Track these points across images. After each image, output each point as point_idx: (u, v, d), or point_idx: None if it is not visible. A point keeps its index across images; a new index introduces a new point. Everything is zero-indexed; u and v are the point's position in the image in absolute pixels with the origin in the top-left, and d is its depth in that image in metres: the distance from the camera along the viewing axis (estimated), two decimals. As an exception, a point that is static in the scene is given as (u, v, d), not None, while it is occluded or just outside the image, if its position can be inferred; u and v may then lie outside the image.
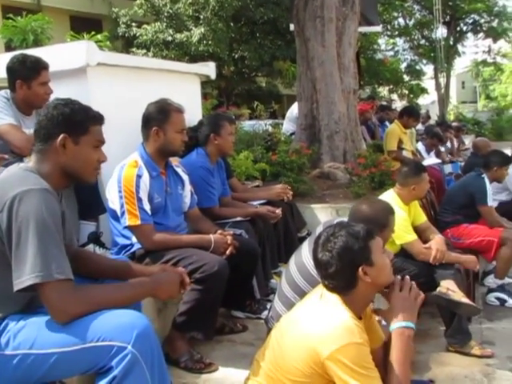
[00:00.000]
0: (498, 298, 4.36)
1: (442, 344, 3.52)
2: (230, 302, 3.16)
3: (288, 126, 7.21)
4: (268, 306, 3.04)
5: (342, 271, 1.83)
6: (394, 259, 3.35)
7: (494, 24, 28.03)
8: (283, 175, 4.78)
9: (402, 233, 3.50)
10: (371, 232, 1.91)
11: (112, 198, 2.80)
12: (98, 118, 1.98)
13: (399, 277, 1.96)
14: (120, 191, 2.73)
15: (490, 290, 4.44)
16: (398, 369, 1.81)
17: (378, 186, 4.69)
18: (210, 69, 4.71)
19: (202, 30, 15.39)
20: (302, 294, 2.41)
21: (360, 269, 1.83)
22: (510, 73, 39.94)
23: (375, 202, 2.65)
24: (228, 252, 2.85)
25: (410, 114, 6.26)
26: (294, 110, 6.93)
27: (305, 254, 2.61)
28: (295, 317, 1.93)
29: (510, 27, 28.17)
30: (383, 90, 26.17)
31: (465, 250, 4.18)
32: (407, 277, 1.96)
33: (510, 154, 5.18)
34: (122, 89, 3.54)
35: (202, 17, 15.75)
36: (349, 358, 1.69)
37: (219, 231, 2.95)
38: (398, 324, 1.87)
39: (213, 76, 4.73)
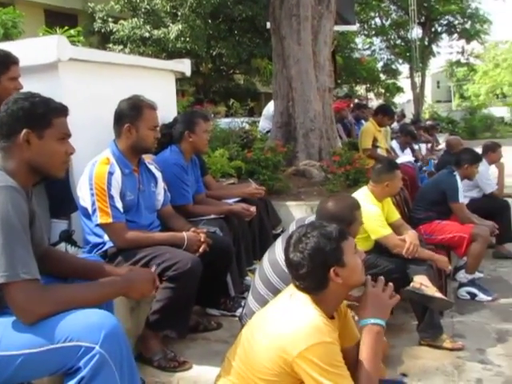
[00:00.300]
0: (468, 293, 4.45)
1: (415, 338, 3.57)
2: (204, 299, 3.15)
3: (264, 123, 7.22)
4: (243, 304, 3.04)
5: (313, 272, 1.81)
6: (367, 256, 3.41)
7: (467, 26, 28.59)
8: (258, 173, 4.79)
9: (377, 227, 3.55)
10: (344, 233, 1.89)
11: (83, 195, 2.76)
12: (61, 110, 1.92)
13: (369, 276, 1.96)
14: (91, 188, 2.69)
15: (461, 285, 4.52)
16: (367, 365, 1.81)
17: (353, 184, 4.74)
18: (185, 66, 4.68)
19: (180, 26, 15.31)
20: (275, 290, 2.42)
21: (331, 270, 1.81)
22: (482, 73, 40.76)
23: (340, 199, 2.65)
24: (201, 250, 2.83)
25: (385, 113, 6.33)
26: (270, 107, 6.95)
27: (278, 251, 2.62)
28: (265, 316, 1.92)
29: (482, 29, 28.77)
30: (360, 89, 26.40)
31: (437, 246, 4.27)
32: (382, 277, 1.96)
33: (480, 153, 5.29)
34: (94, 85, 3.50)
35: (179, 13, 15.67)
36: (318, 357, 1.68)
37: (192, 229, 2.94)
38: (367, 320, 1.87)
39: (188, 73, 4.70)
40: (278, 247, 2.64)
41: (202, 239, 2.86)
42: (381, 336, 1.87)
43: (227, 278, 3.28)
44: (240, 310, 3.10)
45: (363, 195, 3.67)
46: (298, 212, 4.42)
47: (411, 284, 3.38)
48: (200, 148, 3.62)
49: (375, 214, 3.55)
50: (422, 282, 3.37)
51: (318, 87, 5.78)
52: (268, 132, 6.59)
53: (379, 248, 3.63)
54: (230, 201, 3.83)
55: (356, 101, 9.84)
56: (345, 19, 8.73)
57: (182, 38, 15.31)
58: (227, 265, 3.19)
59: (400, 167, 3.94)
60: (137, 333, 2.82)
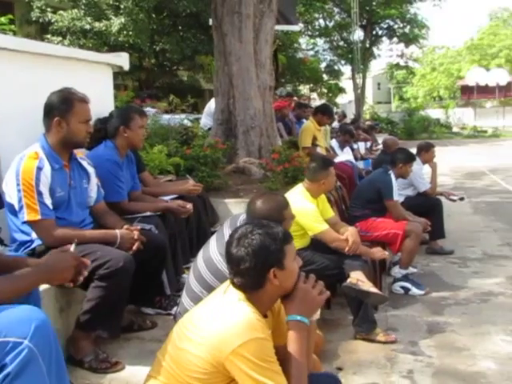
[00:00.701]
0: (402, 287, 4.59)
1: (351, 332, 3.66)
2: (139, 298, 3.10)
3: (206, 120, 7.18)
4: (178, 302, 3.00)
5: (255, 269, 1.81)
6: (303, 253, 3.46)
7: (407, 30, 29.61)
8: (197, 170, 4.75)
9: (314, 223, 3.60)
10: (288, 236, 1.91)
11: (9, 191, 2.64)
12: None
13: (303, 273, 1.97)
14: (18, 184, 2.58)
15: (396, 280, 4.66)
16: (296, 359, 1.83)
17: (292, 181, 4.78)
18: (122, 59, 4.57)
19: (123, 19, 14.99)
20: (209, 288, 2.40)
21: (271, 270, 1.82)
22: (420, 76, 42.28)
23: (268, 198, 2.62)
24: (134, 247, 2.78)
25: (324, 112, 6.44)
26: (211, 104, 6.91)
27: (212, 248, 2.61)
28: (197, 313, 1.90)
29: (420, 34, 29.88)
30: (304, 88, 26.74)
31: (373, 243, 4.38)
32: (313, 275, 1.97)
33: (415, 153, 5.47)
34: (25, 76, 3.35)
35: (122, 6, 15.34)
36: (252, 353, 1.69)
37: (126, 226, 2.87)
38: (294, 316, 1.88)
39: (126, 67, 4.59)
40: (213, 245, 2.63)
41: (136, 237, 2.81)
42: (306, 332, 1.89)
43: (163, 276, 3.23)
44: (176, 308, 3.06)
45: (298, 193, 3.72)
46: (236, 209, 4.39)
47: (348, 280, 3.46)
48: (135, 144, 3.54)
49: (311, 211, 3.60)
50: (358, 278, 3.45)
51: (258, 85, 5.79)
52: (210, 129, 6.55)
53: (315, 245, 3.68)
54: (167, 198, 3.78)
55: (295, 98, 9.87)
56: (287, 19, 8.82)
57: (125, 32, 15.00)
58: (162, 263, 3.14)
59: (335, 164, 4.01)
60: (67, 334, 2.73)
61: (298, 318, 1.88)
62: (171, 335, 1.95)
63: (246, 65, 5.73)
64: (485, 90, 31.66)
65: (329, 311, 4.04)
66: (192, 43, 16.84)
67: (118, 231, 2.80)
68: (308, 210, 3.58)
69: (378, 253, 3.78)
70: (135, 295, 2.90)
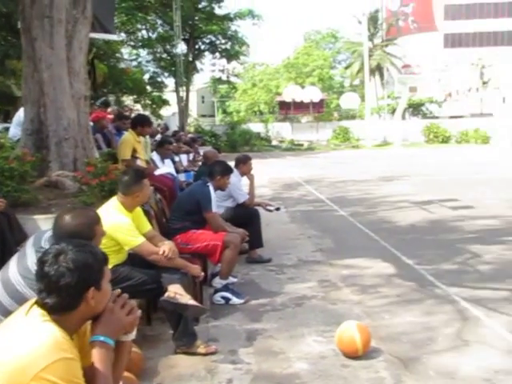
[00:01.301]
0: (223, 297, 4.67)
1: (171, 347, 3.63)
2: None
3: (15, 130, 6.63)
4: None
5: (75, 287, 1.72)
6: (120, 268, 3.34)
7: (228, 46, 31.02)
8: (1, 184, 4.32)
9: (129, 237, 3.51)
10: (106, 258, 1.88)
11: None
12: None
13: (119, 290, 1.92)
14: None
15: (216, 291, 4.73)
16: (101, 379, 1.78)
17: (108, 195, 4.58)
18: None
19: None
20: (6, 313, 2.20)
21: (90, 290, 1.76)
22: (242, 91, 44.51)
23: (78, 214, 2.50)
24: None
25: (143, 123, 6.32)
26: (21, 113, 6.39)
27: (12, 269, 2.40)
28: None
29: (241, 50, 31.55)
30: (127, 99, 26.27)
31: (193, 255, 4.41)
32: (125, 294, 1.92)
33: (232, 165, 5.66)
34: None
35: None
36: (58, 376, 1.58)
37: None
38: (96, 337, 1.83)
39: None
40: (13, 266, 2.41)
41: None
42: (111, 352, 1.84)
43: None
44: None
45: (112, 207, 3.60)
46: (47, 226, 4.01)
47: (166, 294, 3.42)
48: None
49: (126, 225, 3.50)
50: (176, 291, 3.44)
51: (72, 94, 5.49)
52: (19, 140, 6.03)
53: (133, 260, 3.60)
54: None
55: (109, 109, 9.53)
56: (105, 27, 8.57)
57: None
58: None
59: (154, 177, 3.96)
60: None
61: (102, 338, 1.82)
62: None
63: (58, 72, 5.40)
64: (300, 106, 34.49)
65: (149, 327, 3.97)
66: (2, 46, 15.51)
67: None
68: (122, 224, 3.48)
69: (196, 270, 3.80)
70: None
